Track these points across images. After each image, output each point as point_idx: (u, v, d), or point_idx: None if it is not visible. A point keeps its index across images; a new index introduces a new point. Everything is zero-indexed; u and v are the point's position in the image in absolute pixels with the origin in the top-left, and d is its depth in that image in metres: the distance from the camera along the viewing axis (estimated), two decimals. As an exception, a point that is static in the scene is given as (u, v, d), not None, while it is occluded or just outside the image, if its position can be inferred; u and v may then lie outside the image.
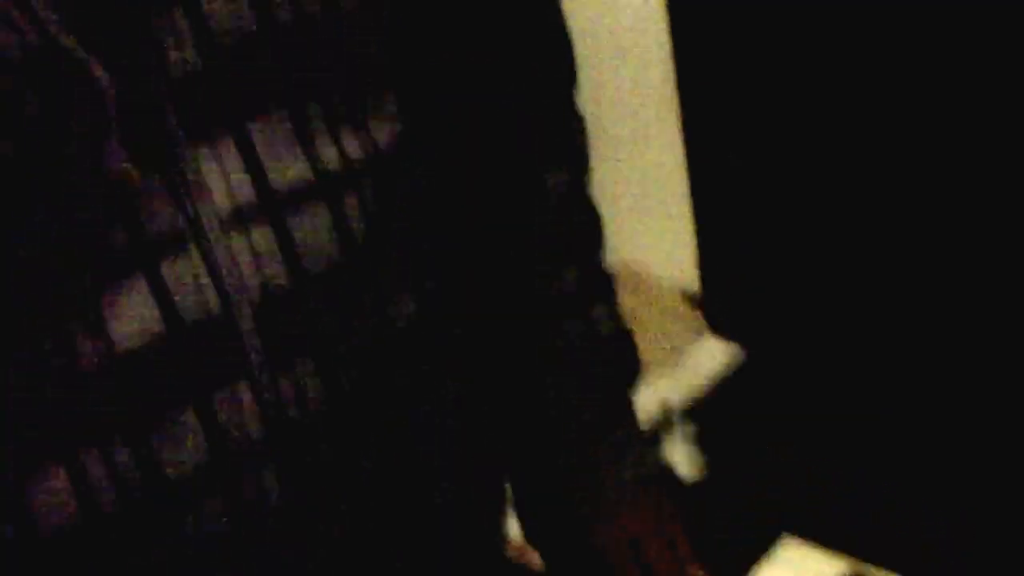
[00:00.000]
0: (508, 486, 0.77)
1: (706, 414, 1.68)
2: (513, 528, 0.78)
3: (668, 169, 1.91)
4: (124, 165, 0.55)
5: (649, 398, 1.64)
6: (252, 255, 0.58)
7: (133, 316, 0.56)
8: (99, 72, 0.54)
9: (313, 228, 0.60)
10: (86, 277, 0.55)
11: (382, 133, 0.64)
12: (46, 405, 0.55)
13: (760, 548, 1.45)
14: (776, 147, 1.73)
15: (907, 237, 1.60)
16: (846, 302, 1.68)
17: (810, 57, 1.62)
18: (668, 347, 1.75)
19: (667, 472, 1.54)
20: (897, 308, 1.61)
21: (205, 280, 0.57)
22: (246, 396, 0.58)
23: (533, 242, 0.72)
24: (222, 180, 0.58)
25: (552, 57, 0.72)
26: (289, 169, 0.60)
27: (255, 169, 0.58)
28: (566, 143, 0.73)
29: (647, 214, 1.96)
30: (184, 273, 0.56)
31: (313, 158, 0.60)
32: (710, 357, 1.75)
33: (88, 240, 0.55)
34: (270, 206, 0.59)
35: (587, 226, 0.74)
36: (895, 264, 1.62)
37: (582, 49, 0.75)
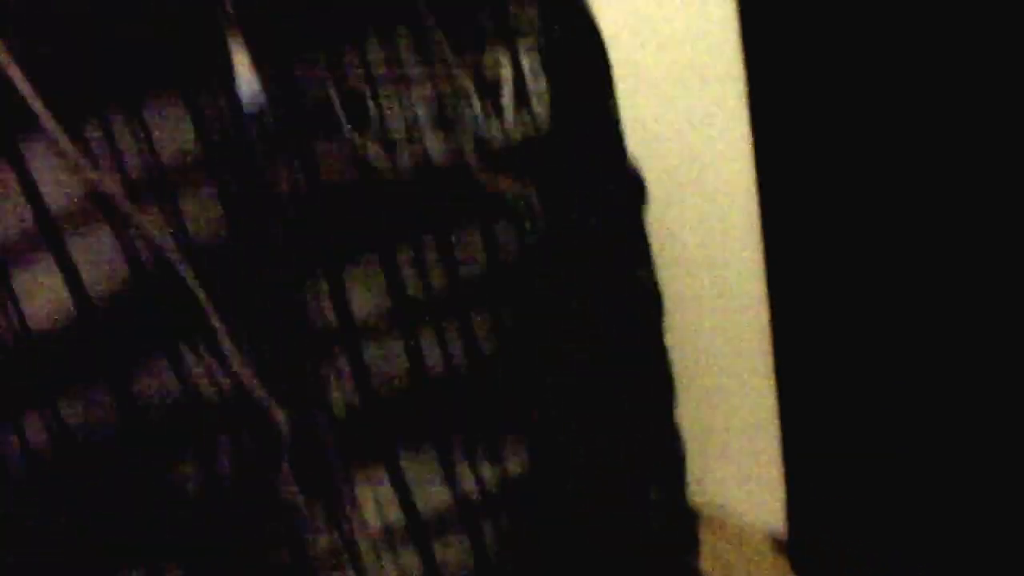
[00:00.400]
0: None
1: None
2: None
3: (759, 414, 1.97)
4: (292, 489, 0.65)
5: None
6: (399, 573, 0.66)
7: None
8: (278, 413, 0.64)
9: (455, 551, 0.68)
10: None
11: (514, 464, 0.72)
12: None
13: None
14: (868, 399, 1.78)
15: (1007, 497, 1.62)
16: (942, 560, 1.69)
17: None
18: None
19: None
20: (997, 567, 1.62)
21: None
22: None
23: (634, 552, 0.80)
24: (375, 504, 0.66)
25: (653, 385, 0.82)
26: (433, 496, 0.68)
27: (404, 495, 0.67)
28: (667, 461, 0.82)
29: (736, 457, 2.00)
30: None
31: (454, 487, 0.68)
32: (796, 604, 1.78)
33: (258, 555, 0.65)
34: (416, 529, 0.67)
35: (683, 534, 0.82)
36: (994, 523, 1.64)
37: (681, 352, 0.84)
